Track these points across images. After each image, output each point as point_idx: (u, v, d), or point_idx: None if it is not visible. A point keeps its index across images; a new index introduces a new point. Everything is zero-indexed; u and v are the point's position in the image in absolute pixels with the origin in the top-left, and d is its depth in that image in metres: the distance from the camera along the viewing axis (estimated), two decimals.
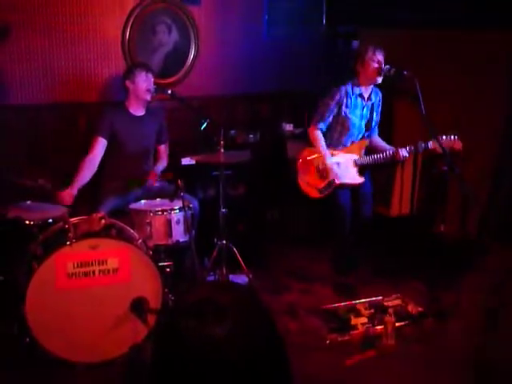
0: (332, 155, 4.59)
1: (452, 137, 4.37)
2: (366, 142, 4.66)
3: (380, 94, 4.71)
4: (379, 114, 4.75)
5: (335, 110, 4.54)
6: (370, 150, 4.68)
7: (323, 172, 4.59)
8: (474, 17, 4.65)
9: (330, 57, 5.89)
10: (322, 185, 4.61)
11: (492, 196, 5.00)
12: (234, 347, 1.07)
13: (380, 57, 4.41)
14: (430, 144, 4.39)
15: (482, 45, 4.79)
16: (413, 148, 4.49)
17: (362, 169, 4.63)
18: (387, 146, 4.69)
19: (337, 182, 4.55)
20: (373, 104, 4.64)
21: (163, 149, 4.79)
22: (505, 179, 4.95)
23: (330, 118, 4.58)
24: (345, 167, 4.58)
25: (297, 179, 4.72)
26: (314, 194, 4.67)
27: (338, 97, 4.51)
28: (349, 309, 4.17)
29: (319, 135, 4.58)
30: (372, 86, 4.58)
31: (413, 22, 5.11)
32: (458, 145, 4.37)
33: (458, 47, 4.97)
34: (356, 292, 4.48)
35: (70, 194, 4.08)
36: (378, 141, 4.80)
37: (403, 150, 4.50)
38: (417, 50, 5.15)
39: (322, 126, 4.59)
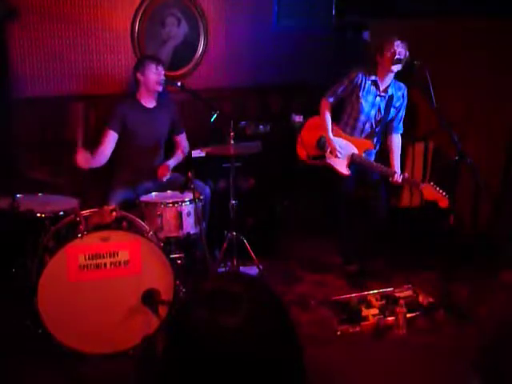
0: (337, 136, 4.61)
1: (443, 193, 4.17)
2: (373, 145, 4.58)
3: (404, 90, 4.56)
4: (403, 110, 4.60)
5: (348, 90, 4.53)
6: (384, 149, 4.65)
7: (324, 144, 4.66)
8: (482, 6, 4.63)
9: (339, 48, 5.86)
10: (314, 153, 4.72)
11: (504, 188, 4.96)
12: (246, 338, 1.06)
13: (398, 47, 4.31)
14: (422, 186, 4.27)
15: (495, 35, 4.74)
16: (405, 179, 4.38)
17: (352, 164, 4.60)
18: (394, 162, 4.54)
19: (327, 160, 4.62)
20: (390, 98, 4.51)
21: (181, 139, 4.79)
22: None
23: (341, 95, 4.58)
24: (341, 152, 4.58)
25: (299, 134, 4.84)
26: (303, 155, 4.80)
27: (353, 78, 4.48)
28: (360, 300, 4.17)
29: (327, 111, 4.61)
30: (391, 77, 4.47)
31: (423, 12, 5.07)
32: (445, 203, 4.17)
33: (471, 37, 4.92)
34: (367, 283, 4.48)
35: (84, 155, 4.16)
36: (394, 146, 4.61)
37: (400, 176, 4.36)
38: (427, 40, 5.11)
39: (332, 99, 4.60)
